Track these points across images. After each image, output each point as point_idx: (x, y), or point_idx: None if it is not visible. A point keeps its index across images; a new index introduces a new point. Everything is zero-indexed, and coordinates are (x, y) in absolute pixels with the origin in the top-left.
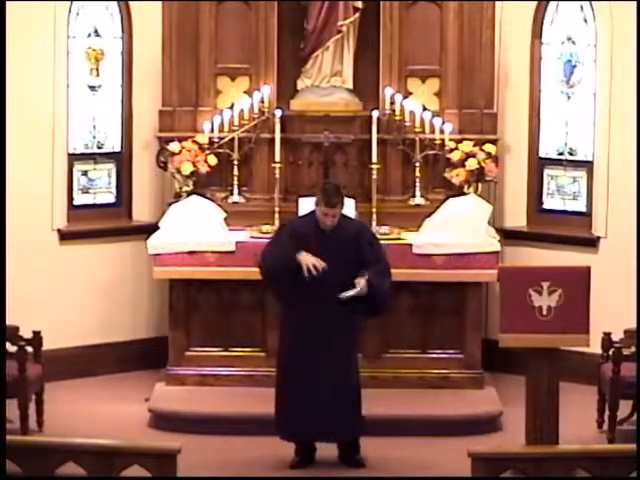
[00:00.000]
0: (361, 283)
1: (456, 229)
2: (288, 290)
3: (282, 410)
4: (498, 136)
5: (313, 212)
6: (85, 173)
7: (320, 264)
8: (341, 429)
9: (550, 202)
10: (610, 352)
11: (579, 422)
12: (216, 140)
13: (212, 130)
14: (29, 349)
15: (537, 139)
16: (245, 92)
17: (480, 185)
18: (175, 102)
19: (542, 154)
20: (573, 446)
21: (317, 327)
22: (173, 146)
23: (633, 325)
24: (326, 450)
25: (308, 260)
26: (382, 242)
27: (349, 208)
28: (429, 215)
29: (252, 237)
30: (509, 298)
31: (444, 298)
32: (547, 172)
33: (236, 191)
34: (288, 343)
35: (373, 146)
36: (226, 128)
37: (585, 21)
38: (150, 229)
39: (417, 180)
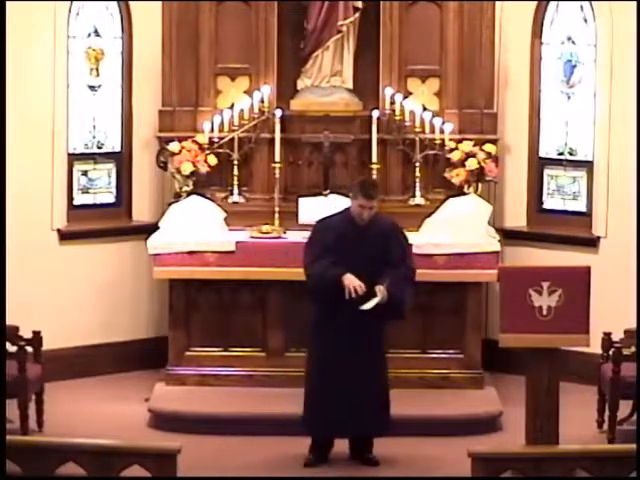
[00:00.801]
0: (381, 291)
1: (456, 229)
2: (329, 299)
3: (312, 408)
4: (498, 136)
5: (347, 209)
6: (85, 173)
7: (362, 288)
8: (368, 423)
9: (550, 202)
10: (610, 352)
11: (579, 422)
12: (216, 140)
13: (212, 130)
14: (29, 349)
15: (537, 139)
16: (245, 92)
17: (480, 185)
18: (175, 102)
19: (542, 154)
20: (573, 446)
21: (348, 326)
22: (173, 146)
23: (633, 325)
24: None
25: (351, 283)
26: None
27: None
28: (429, 215)
29: (252, 237)
30: (509, 298)
31: (444, 298)
32: (547, 172)
33: (236, 191)
34: (319, 341)
35: (373, 146)
36: (226, 128)
37: (585, 21)
38: (150, 229)
39: (417, 180)
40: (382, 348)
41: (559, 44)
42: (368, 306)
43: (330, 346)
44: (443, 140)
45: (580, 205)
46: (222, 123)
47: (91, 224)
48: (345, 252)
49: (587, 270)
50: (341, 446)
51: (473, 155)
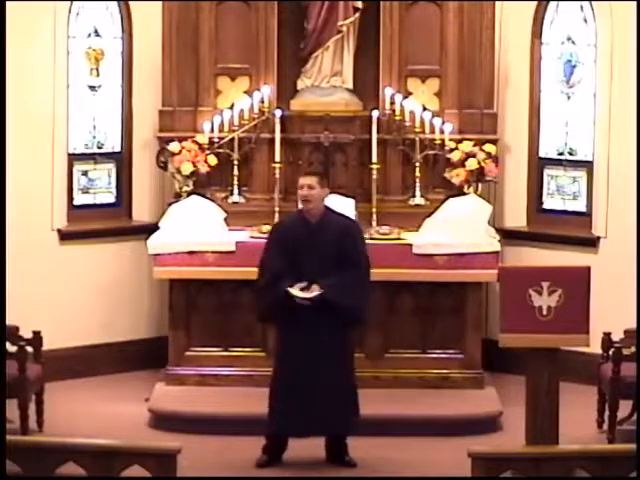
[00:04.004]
0: (313, 293)
1: (456, 229)
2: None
3: (276, 407)
4: (498, 136)
5: (300, 209)
6: (85, 173)
7: (311, 297)
8: (333, 423)
9: (550, 202)
10: (610, 352)
11: (579, 422)
12: (216, 140)
13: (212, 130)
14: (29, 349)
15: (537, 139)
16: (245, 92)
17: (480, 185)
18: (175, 102)
19: (542, 154)
20: (573, 446)
21: (310, 326)
22: (173, 146)
23: (633, 325)
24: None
25: (298, 295)
26: (379, 242)
27: (349, 208)
28: (429, 215)
29: (252, 237)
30: (509, 298)
31: (444, 298)
32: (547, 172)
33: (236, 191)
34: (283, 341)
35: (373, 146)
36: (226, 128)
37: (585, 21)
38: (150, 229)
39: (417, 180)
40: (347, 348)
41: (559, 44)
42: (293, 292)
43: (292, 346)
44: (443, 140)
45: (580, 205)
46: (222, 123)
47: (91, 224)
48: (299, 252)
49: (587, 270)
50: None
51: (473, 155)
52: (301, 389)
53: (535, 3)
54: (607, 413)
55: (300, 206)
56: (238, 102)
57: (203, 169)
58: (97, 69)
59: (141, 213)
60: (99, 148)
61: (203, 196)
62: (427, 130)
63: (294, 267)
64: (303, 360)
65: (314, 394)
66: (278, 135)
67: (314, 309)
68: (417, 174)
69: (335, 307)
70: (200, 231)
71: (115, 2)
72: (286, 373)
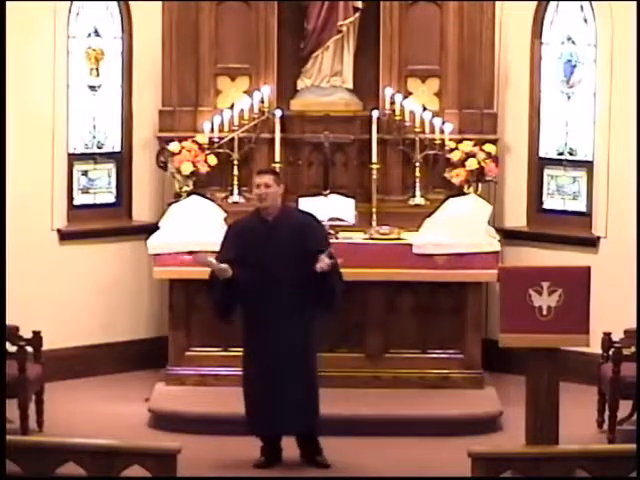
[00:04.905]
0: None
1: (456, 229)
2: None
3: (248, 408)
4: (498, 136)
5: (257, 208)
6: (85, 173)
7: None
8: (297, 422)
9: (550, 202)
10: (610, 352)
11: (579, 422)
12: (216, 140)
13: (212, 130)
14: (29, 349)
15: (537, 139)
16: (245, 92)
17: (480, 185)
18: (175, 102)
19: (542, 154)
20: (573, 446)
21: (271, 322)
22: (173, 146)
23: (633, 325)
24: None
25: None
26: (379, 242)
27: (349, 208)
28: (429, 215)
29: None
30: (509, 298)
31: (444, 298)
32: (547, 172)
33: (236, 191)
34: (247, 342)
35: (373, 146)
36: (226, 128)
37: (585, 21)
38: (150, 229)
39: (417, 180)
40: (311, 346)
41: (559, 44)
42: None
43: (256, 345)
44: (443, 140)
45: (580, 205)
46: (222, 123)
47: (91, 224)
48: (257, 251)
49: (587, 270)
50: (335, 448)
51: (473, 155)
52: (266, 389)
53: (535, 3)
54: (607, 413)
55: (258, 203)
56: (238, 102)
57: (203, 169)
58: (97, 69)
59: (141, 213)
60: (99, 148)
61: (203, 196)
62: (427, 130)
63: (254, 266)
64: (267, 360)
65: (279, 393)
66: (278, 135)
67: (278, 306)
68: (417, 174)
69: (326, 284)
70: (200, 231)
71: (115, 2)
72: (252, 373)
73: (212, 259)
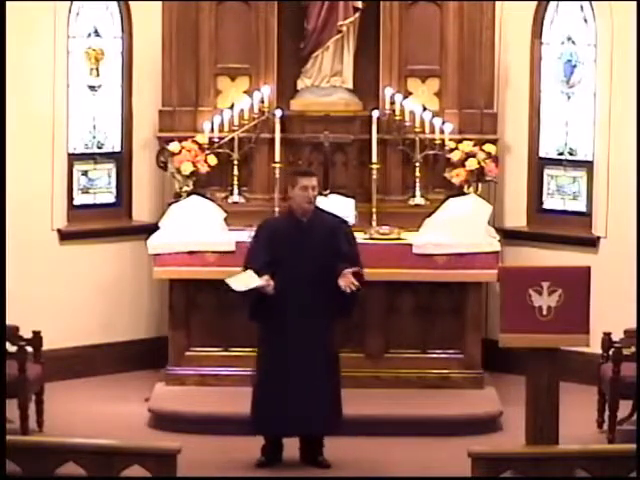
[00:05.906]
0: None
1: (456, 229)
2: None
3: (260, 407)
4: (498, 136)
5: (288, 209)
6: (85, 173)
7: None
8: (317, 423)
9: (550, 202)
10: (610, 352)
11: (579, 422)
12: (216, 140)
13: (212, 130)
14: (29, 349)
15: (537, 139)
16: (245, 92)
17: (480, 185)
18: (175, 102)
19: (542, 154)
20: (573, 446)
21: (294, 325)
22: (173, 146)
23: (633, 325)
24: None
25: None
26: (379, 242)
27: (349, 208)
28: (429, 215)
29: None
30: (509, 298)
31: (444, 298)
32: (547, 172)
33: (236, 191)
34: (266, 341)
35: (373, 146)
36: (226, 128)
37: (585, 21)
38: (150, 229)
39: (417, 180)
40: (332, 347)
41: (559, 44)
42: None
43: (276, 345)
44: (443, 140)
45: (580, 205)
46: (222, 123)
47: (91, 224)
48: (289, 251)
49: (587, 270)
50: (335, 448)
51: (473, 155)
52: (286, 389)
53: (535, 3)
54: (607, 413)
55: (303, 206)
56: (238, 102)
57: (203, 169)
58: (97, 69)
59: (141, 213)
60: (99, 148)
61: (203, 196)
62: (427, 130)
63: (284, 267)
64: (287, 360)
65: (300, 394)
66: (278, 135)
67: (304, 306)
68: (417, 174)
69: (349, 297)
70: (200, 231)
71: (115, 2)
72: (268, 371)
73: (267, 283)
